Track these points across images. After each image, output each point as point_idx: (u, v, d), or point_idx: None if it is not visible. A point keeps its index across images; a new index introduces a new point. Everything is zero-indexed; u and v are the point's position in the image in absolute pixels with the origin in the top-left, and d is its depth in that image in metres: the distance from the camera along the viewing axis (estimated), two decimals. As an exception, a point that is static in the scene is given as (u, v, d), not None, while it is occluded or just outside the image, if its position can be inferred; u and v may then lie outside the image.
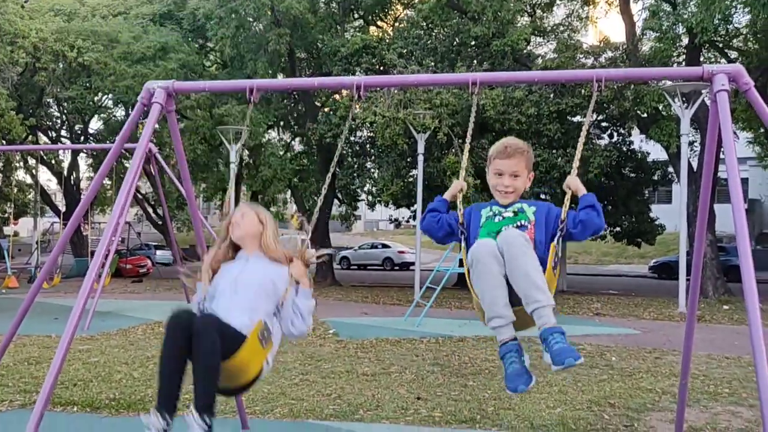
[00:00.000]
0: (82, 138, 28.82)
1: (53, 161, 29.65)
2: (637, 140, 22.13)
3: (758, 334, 2.64)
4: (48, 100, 25.79)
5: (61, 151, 30.27)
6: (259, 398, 5.82)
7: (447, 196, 3.07)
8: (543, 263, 2.72)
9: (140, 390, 6.07)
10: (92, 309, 10.66)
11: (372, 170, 22.17)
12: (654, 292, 20.43)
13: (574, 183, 2.91)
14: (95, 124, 32.04)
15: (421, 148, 16.58)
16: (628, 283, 25.27)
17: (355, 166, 21.80)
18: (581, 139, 3.23)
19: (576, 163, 3.15)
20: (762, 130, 22.10)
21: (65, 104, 26.28)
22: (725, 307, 15.24)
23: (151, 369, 7.01)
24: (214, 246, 3.43)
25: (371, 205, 22.49)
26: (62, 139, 29.99)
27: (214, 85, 4.41)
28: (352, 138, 21.47)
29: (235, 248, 3.37)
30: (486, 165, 3.18)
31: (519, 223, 2.83)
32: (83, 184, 35.58)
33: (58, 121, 30.01)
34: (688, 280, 15.08)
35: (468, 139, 3.54)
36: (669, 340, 9.76)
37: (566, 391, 6.19)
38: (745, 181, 35.84)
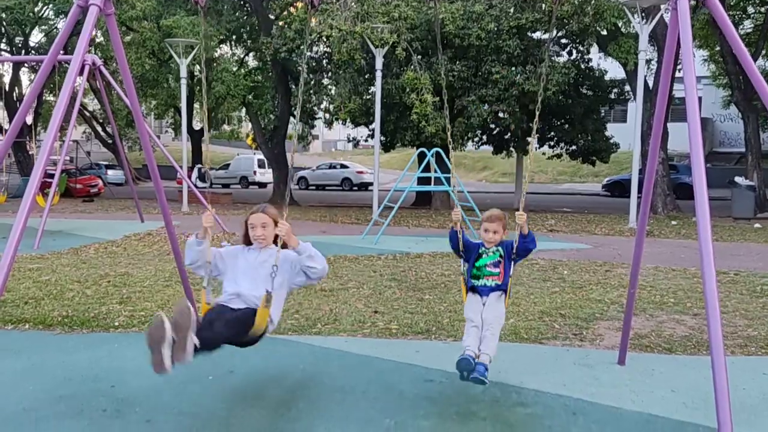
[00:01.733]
0: (23, 51, 27.35)
1: (-7, 76, 28.20)
2: (596, 58, 22.07)
3: (707, 242, 2.69)
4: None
5: (1, 65, 28.75)
6: (216, 314, 5.82)
7: (455, 227, 4.28)
8: (506, 288, 4.15)
9: (94, 307, 6.01)
10: (41, 227, 10.39)
11: (329, 87, 21.71)
12: (606, 210, 20.96)
13: (522, 222, 4.07)
14: (36, 37, 30.40)
15: (379, 64, 16.20)
16: (581, 201, 25.84)
17: (312, 82, 21.28)
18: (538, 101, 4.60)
19: (522, 205, 4.32)
20: (717, 48, 22.24)
21: (4, 15, 24.73)
22: (673, 222, 15.75)
23: (104, 287, 6.93)
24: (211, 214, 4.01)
25: (329, 123, 22.14)
26: (2, 52, 28.41)
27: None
28: (308, 53, 20.84)
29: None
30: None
31: (497, 259, 4.20)
32: (24, 101, 33.97)
33: (-4, 34, 28.35)
34: (639, 197, 15.45)
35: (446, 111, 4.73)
36: (619, 254, 10.07)
37: (519, 303, 6.36)
38: (698, 100, 36.36)
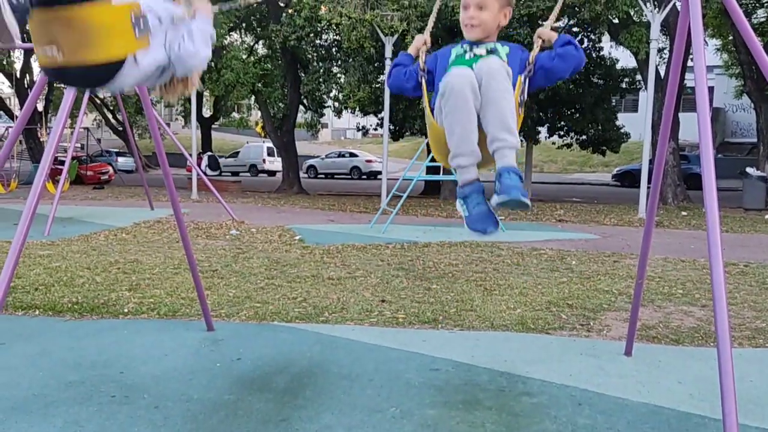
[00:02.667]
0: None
1: (5, 62, 28.28)
2: (607, 47, 21.90)
3: (716, 235, 2.67)
4: (-6, -3, 24.26)
5: (13, 52, 28.84)
6: (224, 301, 5.86)
7: (411, 50, 2.93)
8: (507, 68, 2.63)
9: (103, 294, 6.05)
10: (51, 214, 10.46)
11: (338, 75, 21.65)
12: (616, 200, 20.88)
13: (546, 32, 2.75)
14: (47, 24, 30.43)
15: (388, 52, 16.14)
16: (591, 191, 25.73)
17: (321, 70, 21.24)
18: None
19: (554, 16, 3.00)
20: (730, 38, 22.01)
21: (15, 1, 24.78)
22: (683, 213, 15.66)
23: (114, 274, 6.98)
24: None
25: (338, 112, 22.13)
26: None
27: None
28: (317, 41, 20.79)
29: None
30: None
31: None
32: (35, 88, 34.09)
33: (7, 20, 28.39)
34: (650, 187, 15.38)
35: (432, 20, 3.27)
36: (628, 245, 10.03)
37: (526, 293, 6.36)
38: (710, 90, 36.05)
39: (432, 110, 2.69)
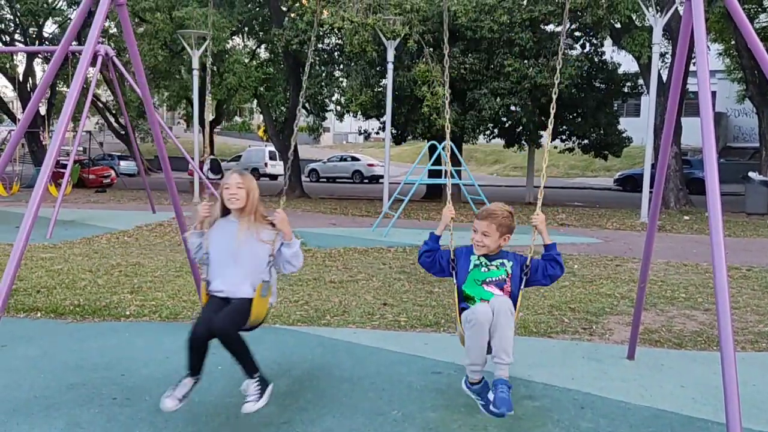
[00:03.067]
0: (37, 42, 27.52)
1: (8, 66, 28.35)
2: (609, 51, 21.90)
3: (719, 238, 2.66)
4: (0, 2, 24.36)
5: (16, 56, 28.91)
6: (225, 305, 5.85)
7: (439, 230, 3.49)
8: (513, 307, 3.25)
9: (105, 297, 6.05)
10: (53, 217, 10.48)
11: (340, 79, 21.67)
12: (618, 204, 20.86)
13: (541, 225, 3.38)
14: (50, 28, 30.57)
15: (390, 56, 16.16)
16: (593, 195, 25.71)
17: (323, 74, 21.26)
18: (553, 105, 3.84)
19: (540, 204, 3.56)
20: (733, 42, 22.01)
21: (18, 5, 24.87)
22: (686, 217, 15.64)
23: (116, 277, 6.98)
24: (208, 205, 3.65)
25: (340, 116, 22.11)
26: (16, 43, 28.58)
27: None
28: (319, 45, 20.83)
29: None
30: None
31: (500, 277, 3.34)
32: (37, 91, 34.15)
33: (12, 24, 28.51)
34: (652, 192, 15.35)
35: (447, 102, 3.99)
36: (630, 249, 10.02)
37: (528, 297, 6.34)
38: (713, 95, 36.05)
39: (459, 312, 3.38)
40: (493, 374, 3.23)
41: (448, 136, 4.06)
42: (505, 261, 3.39)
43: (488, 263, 3.38)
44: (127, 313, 5.56)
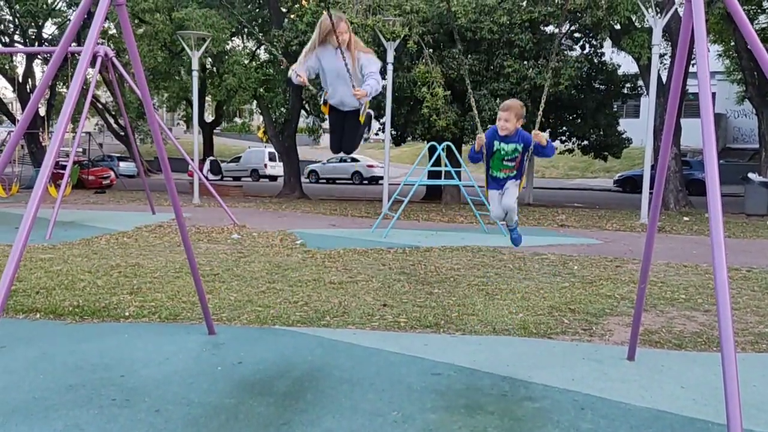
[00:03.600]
0: (36, 43, 27.52)
1: (7, 67, 28.35)
2: (608, 52, 21.90)
3: (719, 239, 2.66)
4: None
5: (15, 57, 28.91)
6: (225, 305, 5.85)
7: (477, 147, 4.83)
8: (520, 176, 4.94)
9: (104, 298, 6.04)
10: (53, 218, 10.47)
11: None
12: (617, 205, 20.86)
13: (540, 137, 4.71)
14: (49, 29, 30.57)
15: (390, 57, 16.16)
16: (593, 197, 25.70)
17: (323, 75, 21.26)
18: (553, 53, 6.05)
19: (539, 120, 4.93)
20: (732, 44, 22.02)
21: (17, 6, 24.87)
22: (685, 218, 15.63)
23: (115, 278, 6.97)
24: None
25: (339, 117, 22.11)
26: (15, 44, 28.57)
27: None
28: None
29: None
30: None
31: (515, 156, 4.79)
32: (36, 91, 34.12)
33: (11, 25, 28.52)
34: (651, 193, 15.33)
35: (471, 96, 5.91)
36: (630, 250, 10.01)
37: (528, 298, 6.34)
38: (712, 96, 36.06)
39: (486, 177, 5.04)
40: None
41: (478, 123, 5.58)
42: (517, 145, 4.74)
43: (506, 148, 4.74)
44: (127, 314, 5.55)
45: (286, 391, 3.84)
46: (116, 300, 5.99)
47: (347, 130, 4.73)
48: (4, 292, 2.94)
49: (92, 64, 11.89)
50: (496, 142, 4.79)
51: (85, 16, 3.57)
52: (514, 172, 4.86)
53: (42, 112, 31.86)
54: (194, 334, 4.98)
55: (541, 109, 4.95)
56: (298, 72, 4.52)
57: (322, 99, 4.70)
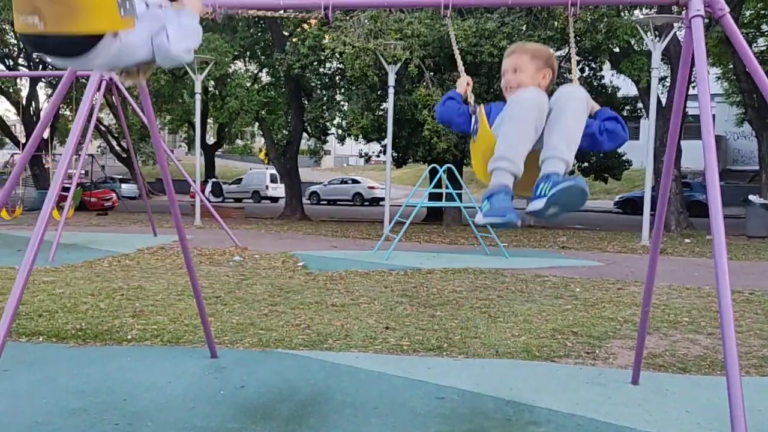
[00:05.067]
0: (40, 66, 27.76)
1: (11, 90, 28.58)
2: (608, 75, 22.07)
3: (723, 262, 2.67)
4: (4, 26, 24.59)
5: (19, 80, 29.16)
6: (228, 328, 5.84)
7: (459, 90, 3.02)
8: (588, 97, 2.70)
9: (107, 321, 6.03)
10: (56, 240, 10.48)
11: (341, 103, 21.82)
12: (618, 227, 20.86)
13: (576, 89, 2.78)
14: (53, 52, 30.75)
15: (391, 80, 16.30)
16: (593, 218, 25.70)
17: (324, 98, 21.42)
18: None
19: (575, 74, 3.15)
20: (731, 66, 22.18)
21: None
22: (687, 240, 15.63)
23: (118, 300, 6.97)
24: None
25: (341, 139, 22.26)
26: (20, 67, 28.82)
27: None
28: (320, 69, 21.01)
29: None
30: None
31: None
32: (43, 114, 34.44)
33: (15, 49, 28.77)
34: (652, 214, 15.37)
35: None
36: (632, 272, 10.00)
37: (531, 321, 6.33)
38: (712, 118, 36.25)
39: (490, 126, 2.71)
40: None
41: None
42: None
43: None
44: (129, 337, 5.54)
45: (289, 416, 3.83)
46: (119, 323, 5.98)
47: None
48: (9, 316, 2.96)
49: (97, 87, 12.00)
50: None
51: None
52: None
53: (45, 134, 32.12)
54: (196, 358, 4.97)
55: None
56: None
57: None
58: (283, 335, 5.64)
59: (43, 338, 5.48)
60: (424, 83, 17.46)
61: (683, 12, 3.29)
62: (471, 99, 2.94)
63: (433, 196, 16.42)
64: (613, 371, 4.84)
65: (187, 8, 2.82)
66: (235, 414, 3.84)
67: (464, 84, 2.97)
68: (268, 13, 3.70)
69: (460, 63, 3.33)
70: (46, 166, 27.37)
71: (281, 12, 3.65)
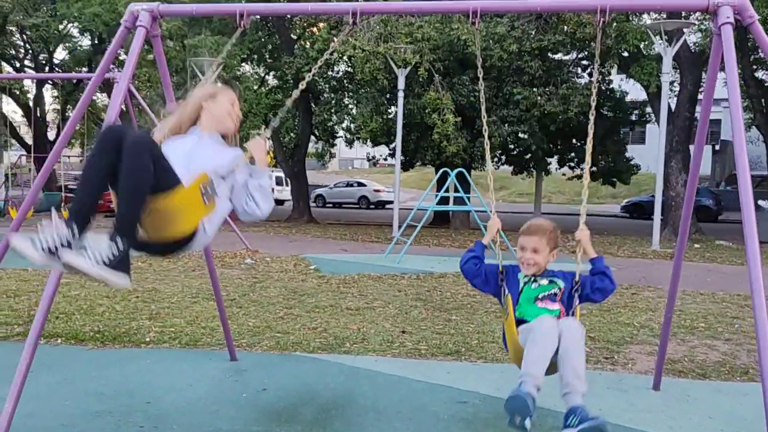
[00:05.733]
0: (47, 68, 27.83)
1: (18, 92, 28.65)
2: (616, 80, 22.06)
3: (757, 271, 2.67)
4: (11, 27, 24.70)
5: (26, 82, 29.25)
6: (245, 331, 5.85)
7: (486, 240, 3.33)
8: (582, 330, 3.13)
9: (124, 323, 6.05)
10: (68, 243, 10.50)
11: (350, 106, 21.85)
12: (626, 231, 20.82)
13: (585, 239, 3.24)
14: (60, 54, 30.92)
15: (401, 84, 16.32)
16: (600, 222, 25.64)
17: (333, 102, 21.44)
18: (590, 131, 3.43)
19: (583, 218, 3.42)
20: (738, 71, 22.14)
21: (29, 32, 25.22)
22: (696, 245, 15.58)
23: (133, 303, 6.98)
24: (178, 112, 3.24)
25: (349, 143, 22.27)
26: (26, 69, 28.89)
27: (201, 8, 4.16)
28: (329, 73, 21.04)
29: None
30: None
31: (552, 291, 3.19)
32: (50, 116, 34.53)
33: (22, 50, 28.88)
34: (662, 219, 15.32)
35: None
36: (644, 277, 9.98)
37: (547, 326, 6.31)
38: (717, 123, 36.16)
39: (516, 326, 3.16)
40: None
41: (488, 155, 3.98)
42: (555, 278, 3.25)
43: (538, 279, 3.23)
44: (147, 339, 5.55)
45: (313, 420, 3.83)
46: (136, 325, 5.99)
47: None
48: (41, 320, 2.97)
49: (109, 91, 12.03)
50: (521, 276, 3.27)
51: (120, 46, 3.63)
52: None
53: (51, 137, 32.16)
54: (216, 360, 4.98)
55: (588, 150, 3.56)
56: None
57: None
58: (301, 338, 5.64)
59: (61, 340, 5.50)
60: (434, 87, 17.47)
61: (713, 19, 3.29)
62: (498, 250, 3.30)
63: (442, 200, 16.46)
64: (633, 377, 4.83)
65: (265, 169, 3.14)
66: (258, 417, 3.84)
67: (494, 230, 3.30)
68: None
69: (495, 226, 3.49)
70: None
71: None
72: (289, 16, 17.61)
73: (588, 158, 3.56)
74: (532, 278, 3.23)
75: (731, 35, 3.20)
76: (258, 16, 18.27)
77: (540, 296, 3.18)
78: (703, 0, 3.28)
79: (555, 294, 3.18)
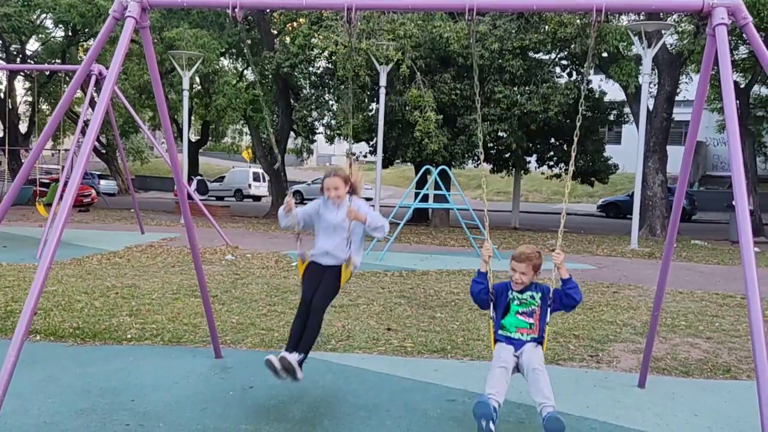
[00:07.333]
0: (19, 60, 27.26)
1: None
2: (596, 80, 22.25)
3: (752, 274, 2.69)
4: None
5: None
6: (228, 328, 5.78)
7: (483, 268, 3.91)
8: (542, 339, 3.80)
9: (104, 320, 5.94)
10: (43, 237, 10.32)
11: (330, 103, 21.73)
12: (603, 230, 21.03)
13: (560, 262, 3.78)
14: (32, 46, 30.31)
15: (383, 81, 16.26)
16: (577, 221, 25.88)
17: (313, 98, 21.30)
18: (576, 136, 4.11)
19: (559, 241, 3.91)
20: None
21: (2, 22, 24.67)
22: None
23: (113, 299, 6.86)
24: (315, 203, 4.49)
25: (330, 139, 22.13)
26: (-1, 60, 28.29)
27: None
28: (309, 69, 20.89)
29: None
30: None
31: (531, 308, 3.83)
32: (21, 109, 33.85)
33: (-6, 41, 28.27)
34: (640, 218, 15.45)
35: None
36: (624, 276, 10.08)
37: (532, 323, 6.33)
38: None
39: (494, 332, 3.90)
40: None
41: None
42: (534, 293, 3.87)
43: (520, 297, 3.88)
44: (129, 336, 5.46)
45: (302, 417, 3.79)
46: (116, 322, 5.89)
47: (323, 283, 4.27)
48: (27, 317, 2.89)
49: (86, 83, 11.83)
50: (509, 294, 3.89)
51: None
52: (535, 334, 3.77)
53: (23, 129, 31.51)
54: (201, 357, 4.91)
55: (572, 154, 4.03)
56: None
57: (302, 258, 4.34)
58: (284, 335, 5.57)
59: (40, 337, 5.39)
60: (416, 84, 17.45)
61: (707, 20, 3.31)
62: (490, 273, 3.92)
63: (421, 198, 16.45)
64: (618, 374, 4.87)
65: (370, 218, 4.23)
66: (247, 415, 3.80)
67: (487, 257, 3.90)
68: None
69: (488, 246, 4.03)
70: (23, 161, 26.89)
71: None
72: (282, 10, 17.43)
73: (570, 170, 4.21)
74: (517, 295, 3.89)
75: (726, 36, 3.23)
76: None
77: (521, 311, 3.85)
78: (698, 1, 3.30)
79: (533, 310, 3.83)
